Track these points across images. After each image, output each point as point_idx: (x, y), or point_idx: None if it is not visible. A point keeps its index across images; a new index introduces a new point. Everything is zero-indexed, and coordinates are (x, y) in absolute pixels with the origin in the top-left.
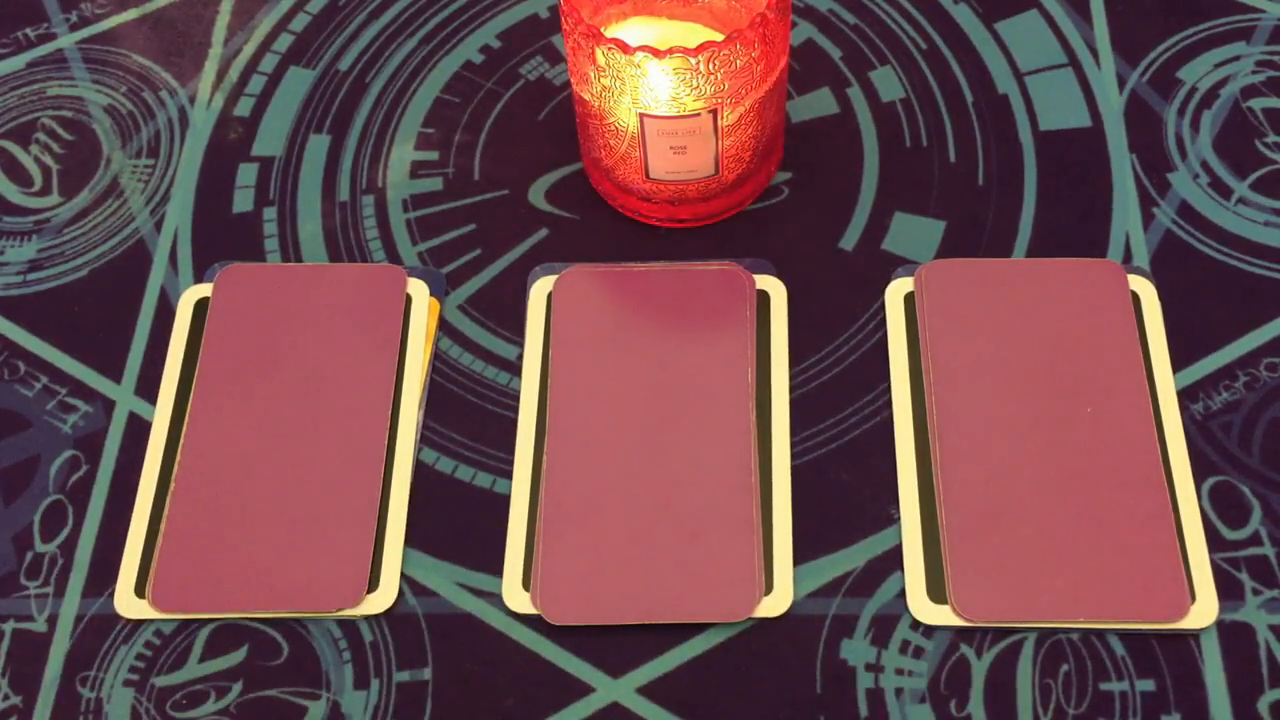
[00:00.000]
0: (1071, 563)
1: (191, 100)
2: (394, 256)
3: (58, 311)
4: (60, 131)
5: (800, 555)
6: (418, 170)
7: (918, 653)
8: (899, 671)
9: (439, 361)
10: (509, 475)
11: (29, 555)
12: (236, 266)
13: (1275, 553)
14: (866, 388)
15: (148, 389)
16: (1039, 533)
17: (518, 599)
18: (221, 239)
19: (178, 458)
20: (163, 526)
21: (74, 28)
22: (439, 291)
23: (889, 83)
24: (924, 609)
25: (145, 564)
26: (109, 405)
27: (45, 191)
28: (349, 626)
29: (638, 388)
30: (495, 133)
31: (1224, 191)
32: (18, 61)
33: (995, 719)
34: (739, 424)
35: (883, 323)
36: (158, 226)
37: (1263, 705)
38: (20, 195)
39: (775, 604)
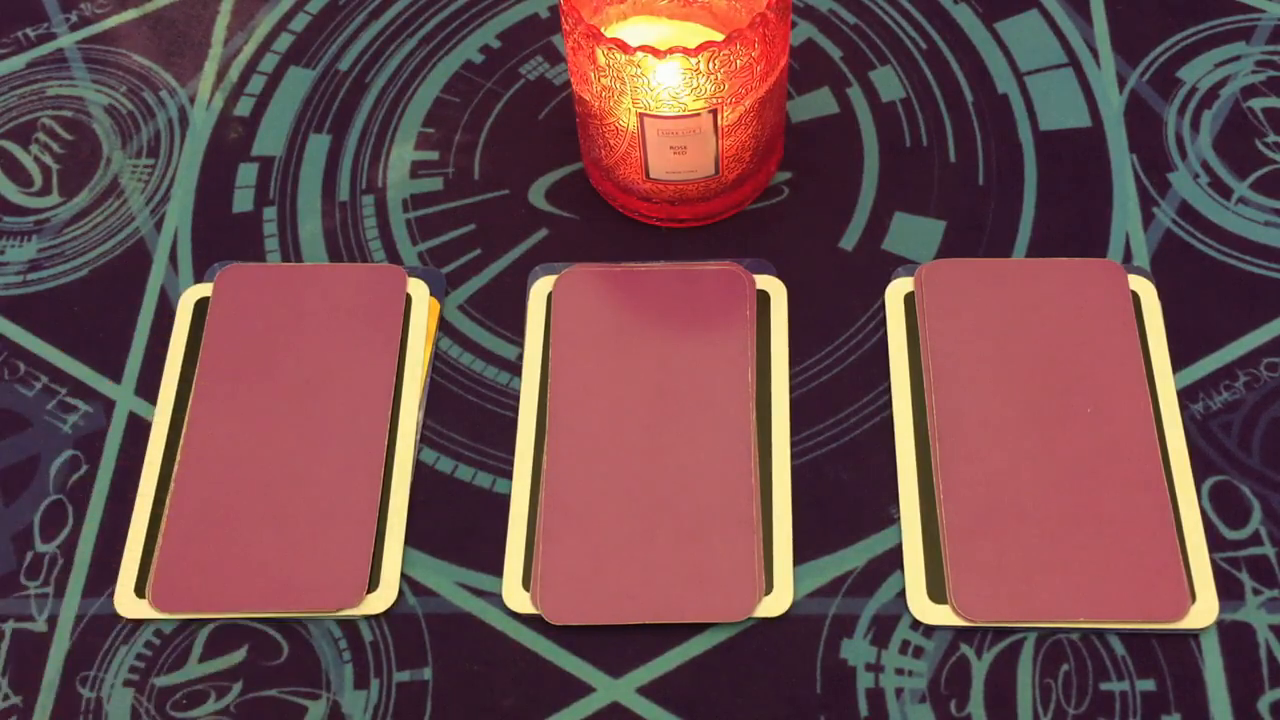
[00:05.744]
0: (1071, 563)
1: (191, 100)
2: (394, 256)
3: (58, 311)
4: (60, 131)
5: (800, 555)
6: (418, 170)
7: (918, 653)
8: (899, 671)
9: (439, 361)
10: (509, 475)
11: (29, 555)
12: (236, 266)
13: (1275, 553)
14: (866, 388)
15: (148, 389)
16: (1039, 533)
17: (518, 599)
18: (221, 239)
19: (178, 458)
20: (162, 526)
21: (74, 28)
22: (439, 291)
23: (889, 83)
24: (924, 609)
25: (145, 564)
26: (109, 405)
27: (45, 191)
28: (349, 626)
29: (638, 388)
30: (495, 133)
31: (1224, 191)
32: (18, 61)
33: (995, 719)
34: (739, 424)
35: (883, 323)
36: (158, 226)
37: (1263, 705)
38: (20, 195)
39: (775, 604)
